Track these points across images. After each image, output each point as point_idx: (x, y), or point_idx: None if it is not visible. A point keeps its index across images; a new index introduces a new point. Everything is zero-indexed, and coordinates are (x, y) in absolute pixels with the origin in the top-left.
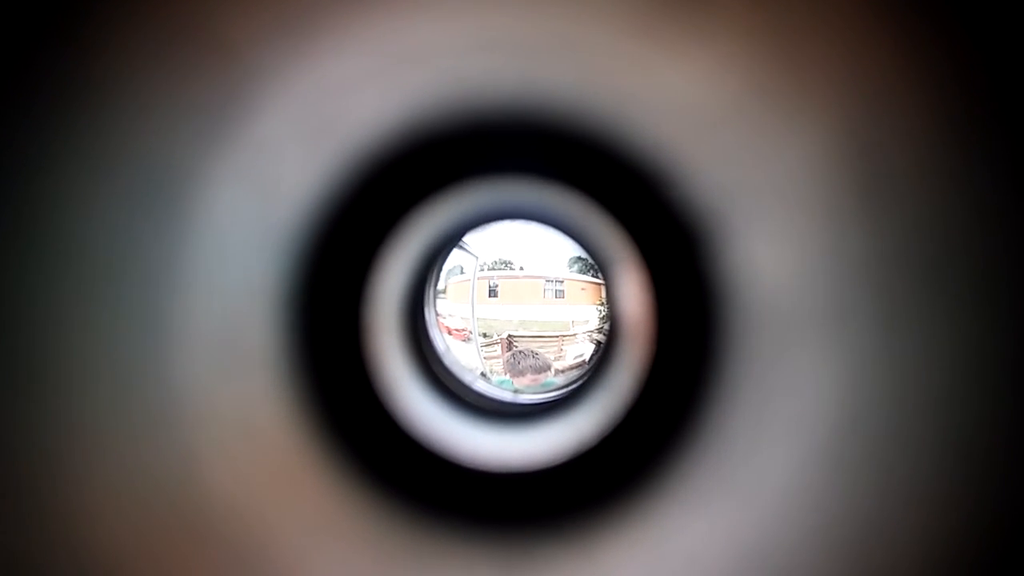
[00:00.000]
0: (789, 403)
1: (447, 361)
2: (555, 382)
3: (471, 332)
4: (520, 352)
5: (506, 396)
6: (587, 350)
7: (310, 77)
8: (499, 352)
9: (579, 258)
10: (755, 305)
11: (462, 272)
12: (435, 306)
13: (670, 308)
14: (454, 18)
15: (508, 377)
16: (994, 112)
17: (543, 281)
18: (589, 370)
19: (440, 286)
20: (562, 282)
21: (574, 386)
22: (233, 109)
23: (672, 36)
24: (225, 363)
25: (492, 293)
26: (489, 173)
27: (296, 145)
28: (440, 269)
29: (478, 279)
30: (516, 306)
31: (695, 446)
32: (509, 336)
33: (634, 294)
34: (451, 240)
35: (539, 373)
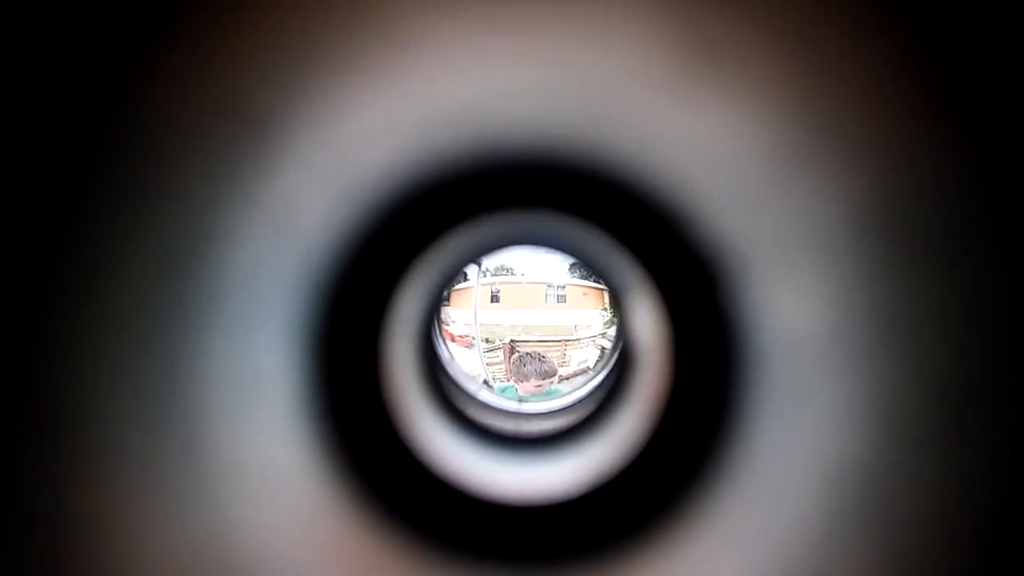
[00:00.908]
0: (812, 441)
1: (451, 370)
2: (560, 390)
3: (474, 338)
4: (527, 355)
5: (511, 406)
6: (591, 355)
7: (332, 134)
8: (501, 357)
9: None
10: (777, 346)
11: (465, 279)
12: (438, 314)
13: (688, 342)
14: (478, 72)
15: (512, 383)
16: (1000, 157)
17: (545, 286)
18: (602, 398)
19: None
20: (564, 287)
21: (586, 412)
22: (259, 167)
23: (696, 91)
24: (250, 408)
25: (494, 299)
26: (508, 209)
27: (317, 195)
28: (450, 290)
29: (480, 285)
30: (518, 311)
31: (716, 480)
32: (512, 341)
33: (649, 323)
34: (464, 265)
35: (544, 378)
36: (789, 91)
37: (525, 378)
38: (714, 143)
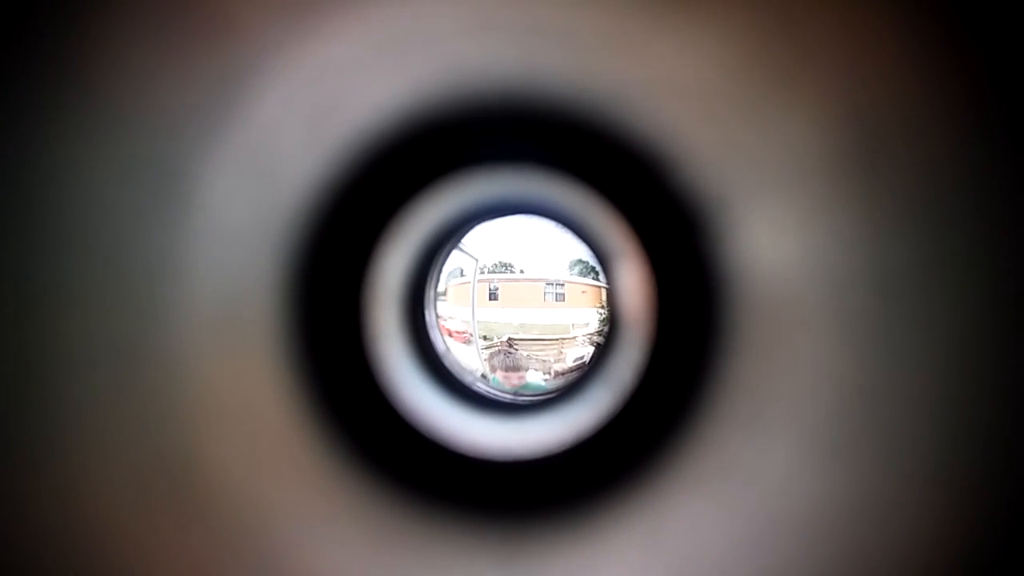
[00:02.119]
0: (788, 387)
1: (447, 362)
2: (541, 386)
3: (471, 334)
4: (499, 350)
5: (506, 399)
6: (587, 353)
7: (311, 58)
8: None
9: (580, 261)
10: (755, 289)
11: (462, 275)
12: (435, 308)
13: (671, 297)
14: (460, 8)
15: (495, 375)
16: (991, 89)
17: (543, 284)
18: (589, 363)
19: (440, 288)
20: (563, 285)
21: (573, 378)
22: (234, 89)
23: (670, 14)
24: (225, 345)
25: (492, 296)
26: (488, 161)
27: (297, 128)
28: (440, 269)
29: (478, 282)
30: (516, 309)
31: (695, 432)
32: (509, 339)
33: (635, 287)
34: (450, 234)
35: (507, 371)
36: (762, 10)
37: (494, 369)
38: (689, 70)
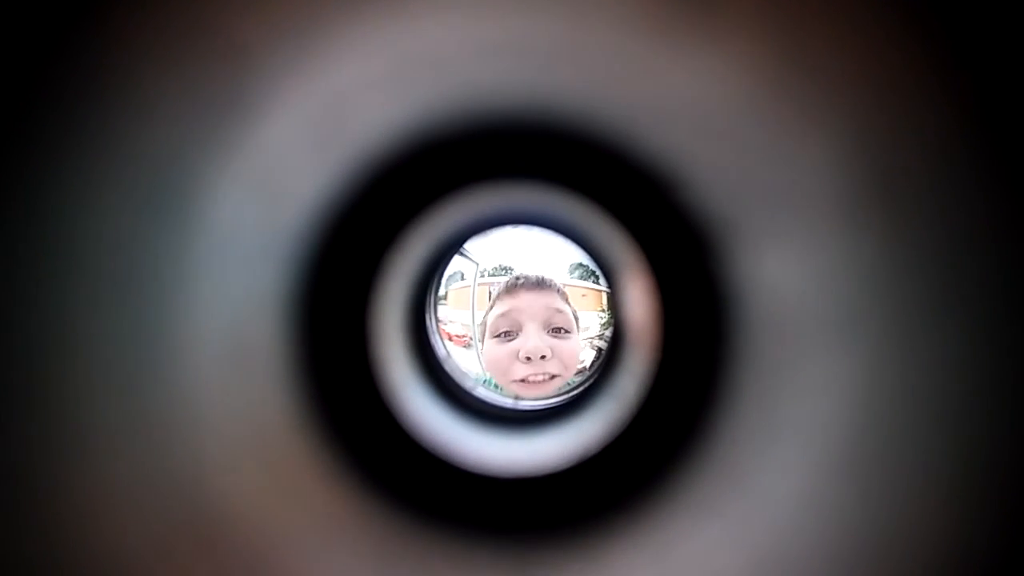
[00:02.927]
0: (800, 408)
1: (448, 367)
2: None
3: (471, 338)
4: None
5: (507, 403)
6: (588, 356)
7: (318, 80)
8: None
9: (580, 264)
10: (765, 310)
11: (462, 278)
12: (436, 312)
13: (677, 314)
14: (463, 22)
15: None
16: (1009, 110)
17: None
18: (592, 375)
19: (440, 292)
20: (563, 288)
21: (578, 391)
22: (240, 111)
23: (682, 36)
24: (231, 368)
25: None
26: (496, 178)
27: (303, 149)
28: (442, 275)
29: (478, 285)
30: None
31: (705, 451)
32: None
33: (640, 300)
34: (456, 244)
35: None
36: (775, 32)
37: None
38: (700, 92)
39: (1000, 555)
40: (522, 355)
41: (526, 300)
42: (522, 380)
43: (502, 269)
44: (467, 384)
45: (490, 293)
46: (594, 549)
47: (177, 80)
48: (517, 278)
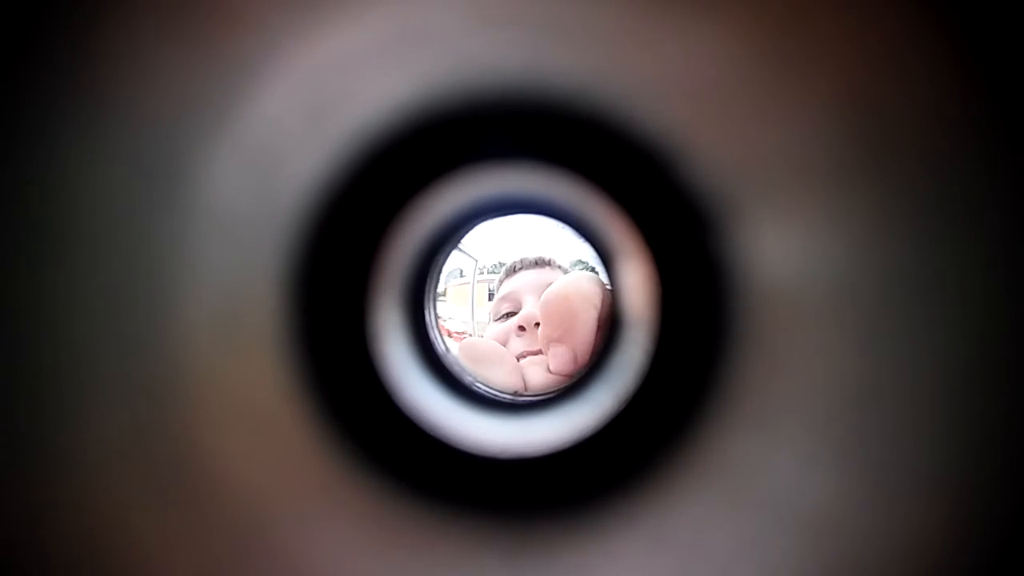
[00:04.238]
0: (795, 386)
1: (447, 362)
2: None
3: (471, 334)
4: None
5: (506, 398)
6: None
7: (314, 54)
8: None
9: (579, 260)
10: (762, 288)
11: (461, 275)
12: (435, 308)
13: (675, 295)
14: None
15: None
16: (1011, 81)
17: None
18: (591, 361)
19: (440, 289)
20: None
21: (577, 376)
22: (237, 86)
23: (679, 11)
24: (227, 340)
25: (492, 296)
26: (493, 158)
27: (300, 124)
28: (440, 268)
29: (477, 282)
30: None
31: (702, 430)
32: None
33: (637, 286)
34: (453, 231)
35: None
36: (772, 8)
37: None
38: (695, 64)
39: (995, 531)
40: (516, 325)
41: (525, 278)
42: (521, 356)
43: (501, 266)
44: (466, 379)
45: (489, 290)
46: (592, 527)
47: (173, 48)
48: (516, 262)
